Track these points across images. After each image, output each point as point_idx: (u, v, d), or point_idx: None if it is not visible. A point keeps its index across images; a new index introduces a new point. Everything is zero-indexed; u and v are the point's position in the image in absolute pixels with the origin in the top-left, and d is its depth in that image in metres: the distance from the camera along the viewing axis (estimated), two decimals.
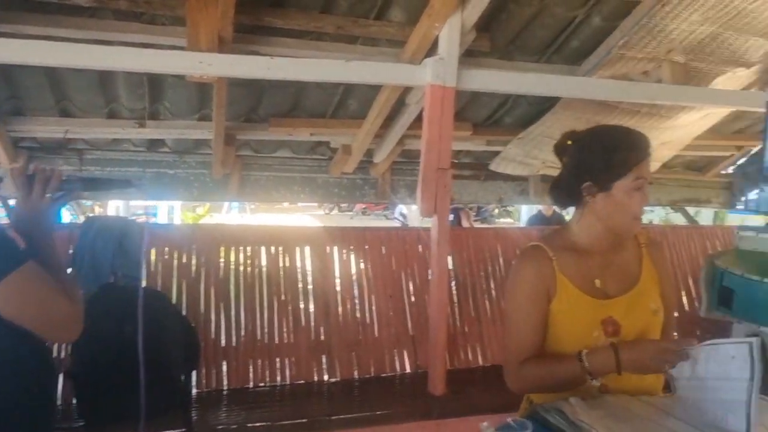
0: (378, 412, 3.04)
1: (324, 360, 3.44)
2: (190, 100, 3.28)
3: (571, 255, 1.67)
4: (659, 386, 1.68)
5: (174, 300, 3.19)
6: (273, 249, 3.49)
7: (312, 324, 3.46)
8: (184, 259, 3.32)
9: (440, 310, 3.20)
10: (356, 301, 3.59)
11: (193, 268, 3.32)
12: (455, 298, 3.76)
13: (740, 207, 5.58)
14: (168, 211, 12.25)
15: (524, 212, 12.30)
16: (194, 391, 3.13)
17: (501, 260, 3.91)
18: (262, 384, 3.30)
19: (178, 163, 3.67)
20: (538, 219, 6.90)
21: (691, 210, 6.00)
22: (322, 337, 3.46)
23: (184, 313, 3.14)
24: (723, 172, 5.23)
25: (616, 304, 1.63)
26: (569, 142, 1.67)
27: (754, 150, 4.73)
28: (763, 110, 3.23)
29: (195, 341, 2.98)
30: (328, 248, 3.60)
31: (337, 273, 3.59)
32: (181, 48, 2.65)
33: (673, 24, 3.17)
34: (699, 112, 3.98)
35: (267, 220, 13.89)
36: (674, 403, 1.48)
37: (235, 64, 2.68)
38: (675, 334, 4.06)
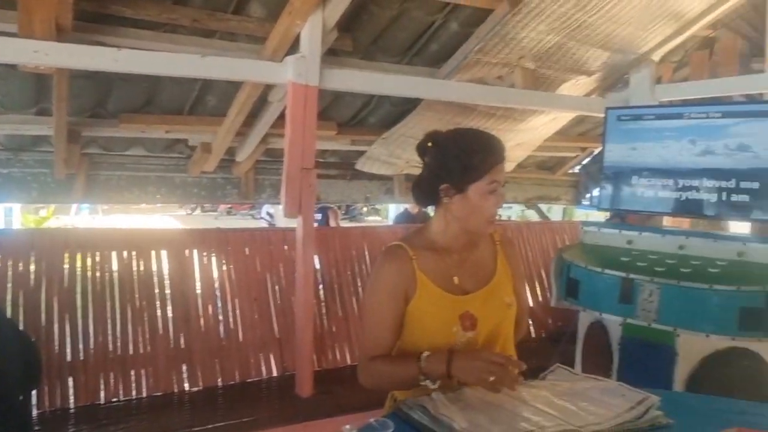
0: (244, 419, 2.96)
1: (184, 368, 3.28)
2: (26, 92, 2.98)
3: (431, 254, 1.70)
4: None
5: (9, 313, 2.88)
6: (125, 253, 3.27)
7: (171, 331, 3.28)
8: (21, 267, 3.01)
9: (306, 311, 3.17)
10: (219, 305, 3.45)
11: (32, 276, 3.03)
12: (322, 298, 3.74)
13: (586, 203, 6.05)
14: (5, 214, 11.07)
15: (392, 210, 12.54)
16: (35, 411, 2.86)
17: (368, 259, 3.94)
18: (115, 399, 3.08)
19: (12, 161, 3.33)
20: (405, 217, 7.03)
21: (543, 207, 6.43)
22: (182, 345, 3.29)
23: (21, 326, 2.85)
24: (570, 171, 5.65)
25: (473, 299, 1.68)
26: (429, 144, 1.70)
27: (596, 151, 5.15)
28: (602, 115, 3.51)
29: (34, 357, 2.68)
30: (187, 251, 3.43)
31: (197, 277, 3.43)
32: (13, 34, 2.39)
33: (523, 32, 3.36)
34: (547, 116, 4.26)
35: (121, 222, 13.02)
36: (528, 391, 1.56)
37: (77, 54, 2.46)
38: (530, 321, 4.32)
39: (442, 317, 1.64)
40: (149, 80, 3.09)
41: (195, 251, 3.45)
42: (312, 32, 2.82)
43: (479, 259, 1.75)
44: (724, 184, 2.89)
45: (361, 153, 4.15)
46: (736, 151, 2.85)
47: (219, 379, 3.34)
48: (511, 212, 16.68)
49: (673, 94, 4.02)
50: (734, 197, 2.86)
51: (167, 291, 3.33)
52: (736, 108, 3.12)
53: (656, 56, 4.00)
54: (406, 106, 3.81)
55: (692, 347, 2.67)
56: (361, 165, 4.20)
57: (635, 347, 2.86)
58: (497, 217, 1.68)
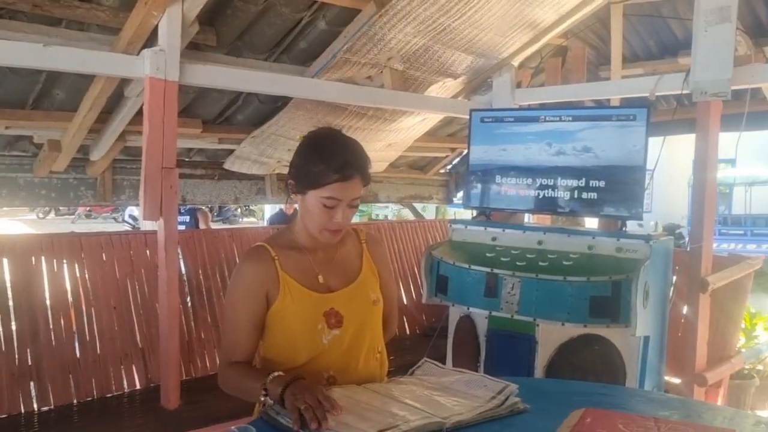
0: None
1: (32, 387, 3.02)
2: None
3: (295, 253, 1.68)
4: (383, 374, 1.78)
5: None
6: None
7: (15, 347, 3.00)
8: None
9: (172, 318, 3.01)
10: (72, 316, 3.19)
11: None
12: (189, 304, 3.57)
13: (458, 202, 6.27)
14: None
15: (268, 211, 12.32)
16: None
17: (238, 261, 3.80)
18: None
19: None
20: (279, 217, 6.93)
21: (419, 205, 6.58)
22: (29, 362, 3.02)
23: None
24: (441, 171, 5.82)
25: (338, 297, 1.67)
26: (299, 136, 1.69)
27: (465, 152, 5.34)
28: (468, 116, 3.63)
29: None
30: (33, 258, 3.13)
31: (46, 287, 3.15)
32: None
33: (390, 34, 3.41)
34: (417, 117, 4.36)
35: None
36: (397, 387, 1.58)
37: None
38: (404, 318, 4.39)
39: (306, 316, 1.62)
40: None
41: (43, 258, 3.16)
42: (171, 24, 2.68)
43: (345, 257, 1.75)
44: (575, 182, 3.08)
45: (230, 152, 4.01)
46: (581, 152, 3.06)
47: (74, 396, 3.10)
48: (387, 212, 17.05)
49: (531, 98, 4.27)
50: (585, 195, 3.06)
51: (10, 303, 3.03)
52: (582, 112, 3.35)
53: (516, 62, 4.23)
54: (276, 105, 3.73)
55: (550, 336, 2.81)
56: (230, 164, 4.06)
57: (500, 338, 2.98)
58: (337, 230, 1.63)
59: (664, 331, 3.04)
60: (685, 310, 3.52)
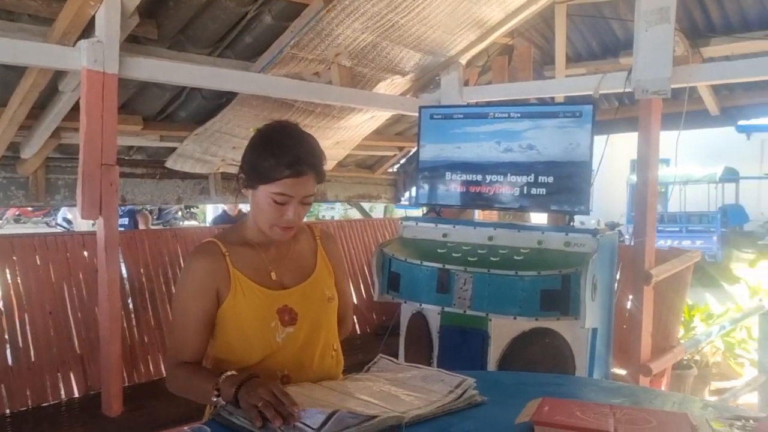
0: None
1: None
2: None
3: (246, 249, 1.63)
4: (339, 372, 1.76)
5: None
6: None
7: None
8: None
9: (113, 322, 2.88)
10: (3, 323, 3.01)
11: None
12: (131, 307, 3.43)
13: (405, 201, 6.28)
14: None
15: (210, 213, 12.06)
16: None
17: (182, 262, 3.69)
18: None
19: None
20: (223, 219, 6.79)
21: (366, 205, 6.55)
22: None
23: None
24: (390, 170, 5.81)
25: (292, 294, 1.64)
26: (251, 129, 1.64)
27: (413, 151, 5.35)
28: (416, 114, 3.63)
29: None
30: None
31: None
32: None
33: (338, 29, 3.37)
34: (366, 114, 4.33)
35: None
36: (354, 384, 1.57)
37: None
38: (355, 318, 4.35)
39: (259, 313, 1.58)
40: None
41: None
42: (109, 15, 2.56)
43: (299, 254, 1.72)
44: (525, 179, 3.12)
45: (172, 150, 3.87)
46: (527, 149, 3.10)
47: (6, 407, 2.93)
48: (334, 212, 16.98)
49: (478, 96, 4.30)
50: (534, 191, 3.10)
51: None
52: (530, 109, 3.39)
53: (463, 60, 4.25)
54: (220, 101, 3.62)
55: (502, 330, 2.85)
56: (172, 163, 3.92)
57: (453, 334, 2.99)
58: (288, 227, 1.59)
59: (611, 323, 3.11)
60: (629, 303, 3.61)
